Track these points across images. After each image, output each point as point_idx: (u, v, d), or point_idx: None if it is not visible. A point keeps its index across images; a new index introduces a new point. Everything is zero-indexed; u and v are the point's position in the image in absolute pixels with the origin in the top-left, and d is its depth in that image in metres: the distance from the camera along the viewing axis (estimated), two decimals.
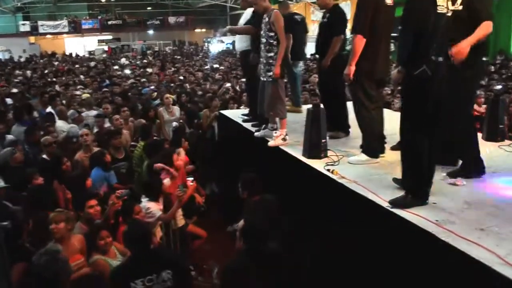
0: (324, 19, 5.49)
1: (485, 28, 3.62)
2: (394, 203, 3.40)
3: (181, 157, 5.81)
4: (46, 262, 3.17)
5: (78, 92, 11.21)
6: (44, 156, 6.14)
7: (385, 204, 3.43)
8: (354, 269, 3.74)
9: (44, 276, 3.15)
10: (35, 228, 4.06)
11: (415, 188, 3.42)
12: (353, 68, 4.25)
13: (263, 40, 5.19)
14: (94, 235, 4.03)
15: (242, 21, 6.32)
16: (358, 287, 3.72)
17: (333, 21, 5.38)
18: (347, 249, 3.83)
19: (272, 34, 5.06)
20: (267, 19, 5.11)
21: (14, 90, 12.42)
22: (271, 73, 5.09)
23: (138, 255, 3.55)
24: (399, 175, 3.71)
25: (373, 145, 4.46)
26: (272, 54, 5.09)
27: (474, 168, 3.96)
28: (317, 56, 6.03)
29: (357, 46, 4.20)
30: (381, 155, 4.52)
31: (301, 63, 7.13)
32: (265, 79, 5.23)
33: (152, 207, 4.92)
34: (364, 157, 4.46)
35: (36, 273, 3.19)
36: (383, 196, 3.57)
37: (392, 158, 4.46)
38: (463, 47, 3.43)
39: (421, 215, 3.20)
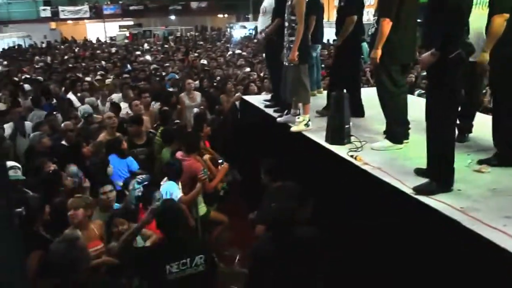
0: (341, 3, 5.46)
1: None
2: (419, 190, 3.36)
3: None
4: (64, 249, 3.09)
5: (88, 79, 11.26)
6: (64, 142, 6.20)
7: (409, 191, 3.40)
8: (377, 256, 3.72)
9: (61, 264, 3.10)
10: (52, 215, 4.08)
11: (441, 174, 3.37)
12: (379, 51, 4.18)
13: (286, 24, 5.15)
14: (108, 223, 4.04)
15: (265, 3, 6.27)
16: (379, 275, 3.70)
17: (348, 2, 5.37)
18: (370, 236, 3.80)
19: (293, 18, 5.00)
20: (289, 2, 5.06)
21: (35, 76, 12.60)
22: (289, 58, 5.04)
23: (173, 238, 3.51)
24: (423, 162, 3.66)
25: (396, 131, 4.40)
26: (293, 38, 5.04)
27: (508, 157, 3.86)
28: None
29: (384, 30, 4.13)
30: (405, 141, 4.45)
31: (319, 47, 7.08)
32: (287, 64, 5.19)
33: (174, 187, 4.93)
34: (387, 143, 4.41)
35: (53, 260, 3.16)
36: (407, 182, 3.52)
37: (416, 144, 4.39)
38: None
39: (446, 202, 3.15)
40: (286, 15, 5.16)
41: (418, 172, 3.69)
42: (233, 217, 6.18)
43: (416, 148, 4.30)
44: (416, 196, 3.31)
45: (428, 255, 3.13)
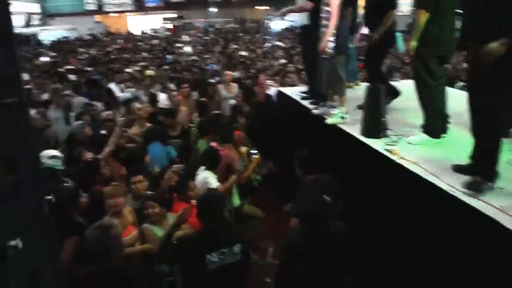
0: None
1: None
2: (468, 186, 3.22)
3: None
4: (99, 236, 3.14)
5: (130, 70, 11.42)
6: (103, 131, 6.30)
7: (446, 187, 3.28)
8: (407, 253, 3.62)
9: (96, 251, 3.14)
10: (91, 203, 4.16)
11: (487, 169, 3.24)
12: (415, 43, 4.05)
13: (322, 15, 5.05)
14: (139, 208, 4.10)
15: None
16: (408, 272, 3.61)
17: None
18: (402, 232, 3.70)
19: (328, 8, 4.90)
20: None
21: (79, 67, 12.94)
22: (329, 50, 4.95)
23: (213, 227, 3.49)
24: (461, 157, 3.53)
25: (434, 124, 4.26)
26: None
27: None
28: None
29: (420, 21, 3.99)
30: (443, 135, 4.30)
31: (355, 37, 6.95)
32: (323, 55, 5.10)
33: (210, 176, 4.96)
34: (424, 137, 4.27)
35: (88, 247, 3.20)
36: (445, 178, 3.41)
37: (455, 139, 4.25)
38: None
39: (483, 200, 3.03)
40: (322, 6, 5.06)
41: (456, 168, 3.56)
42: (267, 209, 6.16)
43: (454, 143, 4.17)
44: (453, 193, 3.19)
45: (462, 254, 3.02)
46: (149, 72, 10.61)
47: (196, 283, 3.47)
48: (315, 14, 5.39)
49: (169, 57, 14.82)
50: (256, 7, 43.25)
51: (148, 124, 6.45)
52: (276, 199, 6.46)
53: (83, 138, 5.96)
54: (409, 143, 4.32)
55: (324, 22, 5.00)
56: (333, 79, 5.04)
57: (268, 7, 43.11)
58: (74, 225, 3.90)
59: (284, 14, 6.12)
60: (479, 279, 2.89)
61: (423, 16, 3.97)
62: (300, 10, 5.95)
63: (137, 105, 6.98)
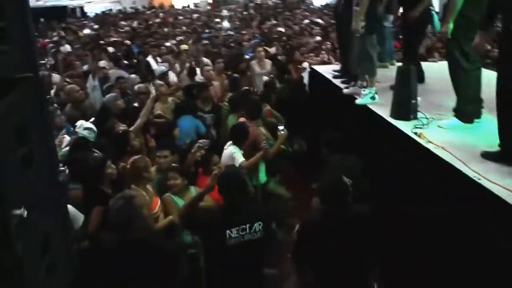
0: None
1: None
2: (486, 155, 3.26)
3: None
4: (122, 206, 3.24)
5: (168, 44, 11.47)
6: (136, 104, 6.39)
7: (472, 174, 3.19)
8: (431, 239, 3.57)
9: (118, 220, 3.25)
10: (131, 171, 4.19)
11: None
12: (450, 25, 3.91)
13: None
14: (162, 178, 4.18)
15: None
16: (433, 258, 3.56)
17: None
18: (426, 218, 3.65)
19: None
20: None
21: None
22: (360, 29, 4.84)
23: (234, 204, 3.52)
24: (492, 143, 3.42)
25: (467, 109, 4.12)
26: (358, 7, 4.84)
27: None
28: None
29: (456, 2, 3.84)
30: (476, 120, 4.17)
31: (391, 17, 6.74)
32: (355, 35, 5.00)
33: (237, 151, 4.98)
34: (456, 121, 4.14)
35: (111, 217, 3.29)
36: (471, 165, 3.31)
37: (487, 124, 4.11)
38: None
39: (509, 189, 2.93)
40: None
41: (486, 155, 3.45)
42: (295, 187, 6.16)
43: (486, 128, 4.03)
44: (479, 181, 3.10)
45: (486, 244, 2.95)
46: (184, 46, 10.66)
47: (216, 258, 3.52)
48: None
49: (206, 32, 14.78)
50: None
51: (170, 99, 6.51)
52: (305, 177, 6.44)
53: (116, 111, 6.05)
54: (439, 126, 4.21)
55: (356, 1, 4.88)
56: (363, 59, 4.94)
57: None
58: (101, 195, 4.01)
59: None
60: (501, 268, 2.83)
61: None
62: None
63: (158, 81, 7.02)
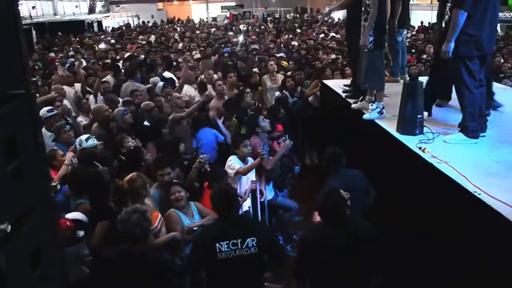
0: None
1: None
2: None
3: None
4: (137, 219, 3.30)
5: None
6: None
7: (473, 189, 3.16)
8: (434, 252, 3.55)
9: (135, 233, 3.29)
10: (129, 189, 4.19)
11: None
12: (452, 44, 3.91)
13: (363, 8, 4.95)
14: (167, 191, 4.23)
15: None
16: (434, 271, 3.53)
17: None
18: (429, 232, 3.62)
19: (368, 2, 4.79)
20: None
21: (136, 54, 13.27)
22: (367, 43, 4.85)
23: (225, 218, 3.58)
24: (495, 157, 3.40)
25: (471, 125, 4.10)
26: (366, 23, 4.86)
27: None
28: (435, 26, 5.67)
29: (458, 21, 3.85)
30: (482, 134, 4.14)
31: (405, 32, 6.74)
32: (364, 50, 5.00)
33: (233, 160, 5.05)
34: (461, 136, 4.12)
35: (125, 229, 3.32)
36: (474, 181, 3.28)
37: (492, 138, 4.09)
38: None
39: (510, 205, 2.90)
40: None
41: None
42: (306, 201, 6.15)
43: (492, 143, 4.01)
44: (480, 197, 3.07)
45: (488, 257, 2.92)
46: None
47: (207, 271, 3.58)
48: (357, 7, 5.26)
49: (228, 46, 14.89)
50: None
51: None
52: (314, 191, 6.42)
53: (123, 125, 6.08)
54: (445, 141, 4.19)
55: (364, 15, 4.90)
56: (371, 73, 4.94)
57: None
58: (106, 210, 4.06)
59: (328, 14, 6.07)
60: (501, 283, 2.80)
61: (461, 16, 3.84)
62: (341, 7, 5.84)
63: (175, 93, 7.12)
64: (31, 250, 1.74)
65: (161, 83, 8.17)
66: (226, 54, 12.13)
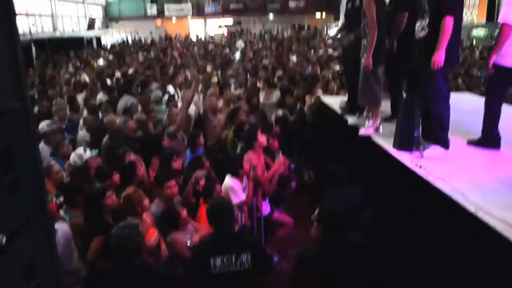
0: None
1: None
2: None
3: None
4: (129, 233, 3.26)
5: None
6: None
7: (469, 206, 3.16)
8: (428, 269, 3.53)
9: (126, 248, 3.25)
10: (124, 204, 4.20)
11: None
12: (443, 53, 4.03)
13: (362, 25, 5.00)
14: (175, 214, 4.19)
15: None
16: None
17: None
18: (425, 248, 3.62)
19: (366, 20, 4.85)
20: (364, 5, 4.91)
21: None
22: (363, 60, 4.89)
23: (220, 233, 3.54)
24: (495, 175, 3.41)
25: (442, 136, 4.25)
26: (365, 41, 4.90)
27: None
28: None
29: (449, 28, 3.97)
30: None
31: None
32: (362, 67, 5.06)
33: (236, 185, 4.99)
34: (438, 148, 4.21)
35: (118, 244, 3.28)
36: (471, 196, 3.28)
37: (490, 155, 4.11)
38: None
39: (508, 222, 2.89)
40: (362, 18, 5.01)
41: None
42: (302, 217, 6.12)
43: (490, 159, 4.03)
44: (477, 214, 3.07)
45: (484, 275, 2.91)
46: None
47: (201, 286, 3.52)
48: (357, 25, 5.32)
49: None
50: (315, 14, 42.90)
51: None
52: (313, 207, 6.40)
53: (128, 133, 6.15)
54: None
55: (363, 33, 4.95)
56: (366, 90, 4.97)
57: (326, 14, 42.73)
58: (101, 224, 4.04)
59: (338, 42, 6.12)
60: None
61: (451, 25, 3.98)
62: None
63: (175, 110, 7.14)
64: (26, 262, 1.74)
65: (166, 96, 8.22)
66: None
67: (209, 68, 12.72)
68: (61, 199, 4.29)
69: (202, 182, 4.72)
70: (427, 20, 4.09)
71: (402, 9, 5.15)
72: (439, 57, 4.01)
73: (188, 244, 4.07)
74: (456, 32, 4.04)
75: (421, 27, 4.21)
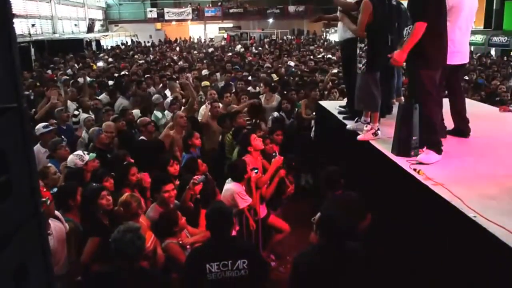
0: None
1: None
2: None
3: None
4: (132, 238, 3.25)
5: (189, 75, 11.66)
6: (143, 137, 6.47)
7: (468, 212, 3.14)
8: (427, 274, 3.51)
9: (128, 252, 3.24)
10: (123, 207, 4.17)
11: None
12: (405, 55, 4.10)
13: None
14: (174, 218, 4.15)
15: None
16: None
17: None
18: (423, 253, 3.58)
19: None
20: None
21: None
22: (360, 65, 4.88)
23: (217, 239, 3.53)
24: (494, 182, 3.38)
25: (436, 140, 4.21)
26: (362, 45, 4.90)
27: None
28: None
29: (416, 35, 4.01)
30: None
31: None
32: (358, 71, 5.05)
33: (241, 190, 4.96)
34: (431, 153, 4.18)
35: (120, 249, 3.26)
36: (470, 203, 3.25)
37: (488, 160, 4.08)
38: None
39: (507, 228, 2.87)
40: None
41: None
42: (300, 222, 6.10)
43: (488, 165, 4.00)
44: (476, 220, 3.05)
45: (485, 283, 2.88)
46: (205, 83, 10.71)
47: None
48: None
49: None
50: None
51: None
52: (311, 211, 6.38)
53: (97, 144, 6.06)
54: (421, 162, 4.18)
55: (358, 37, 4.95)
56: (364, 95, 4.95)
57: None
58: (97, 225, 4.02)
59: (317, 21, 6.17)
60: None
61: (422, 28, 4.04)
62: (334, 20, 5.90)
63: (179, 112, 7.13)
64: (17, 266, 1.71)
65: (169, 99, 8.21)
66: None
67: (204, 72, 12.68)
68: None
69: (200, 187, 4.67)
70: (411, 26, 4.12)
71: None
72: (397, 56, 4.15)
73: (180, 243, 4.05)
74: (439, 38, 4.11)
75: (406, 33, 4.24)
